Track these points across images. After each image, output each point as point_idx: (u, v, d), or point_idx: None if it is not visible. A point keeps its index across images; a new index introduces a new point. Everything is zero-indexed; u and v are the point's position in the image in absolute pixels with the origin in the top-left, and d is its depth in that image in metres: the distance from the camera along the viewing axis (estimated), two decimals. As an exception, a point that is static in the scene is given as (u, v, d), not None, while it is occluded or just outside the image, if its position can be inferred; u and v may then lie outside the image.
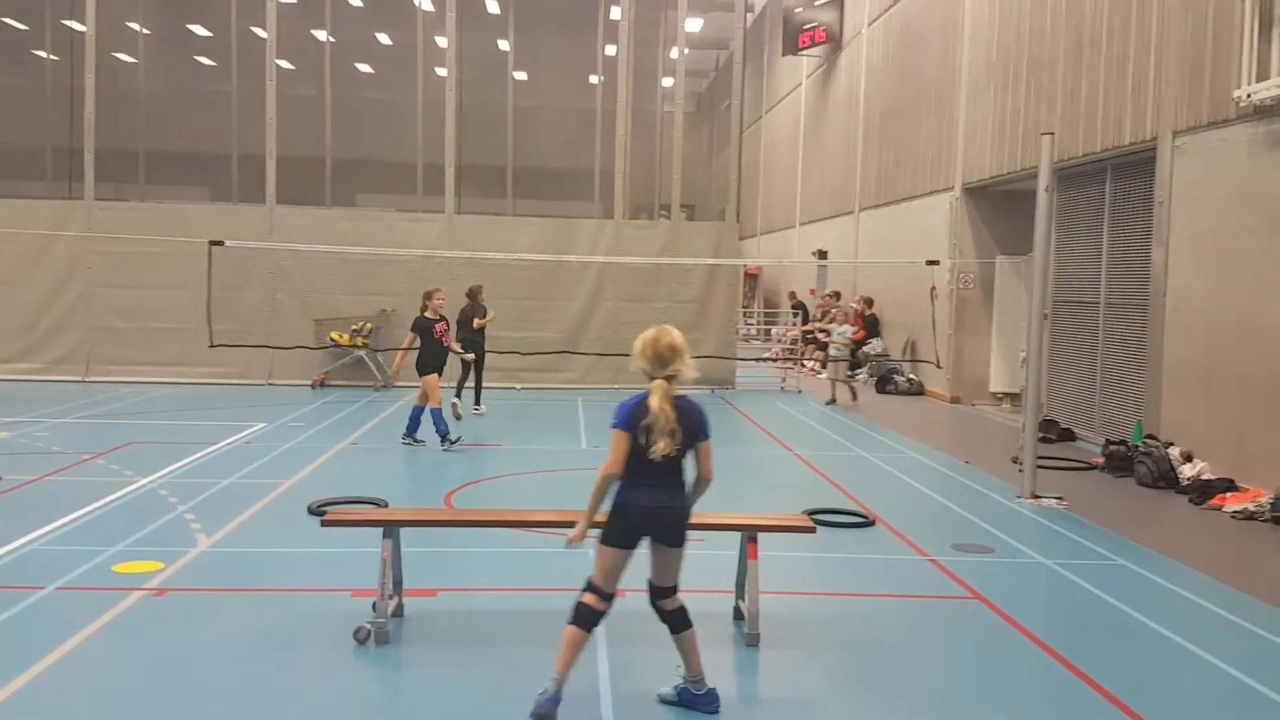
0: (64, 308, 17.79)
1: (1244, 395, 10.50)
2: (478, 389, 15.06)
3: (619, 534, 4.93)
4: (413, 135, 20.33)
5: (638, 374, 4.94)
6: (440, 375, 12.17)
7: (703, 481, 5.01)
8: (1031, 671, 5.78)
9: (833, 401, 17.39)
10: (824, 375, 18.63)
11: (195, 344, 15.80)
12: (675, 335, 4.94)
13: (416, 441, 12.12)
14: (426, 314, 12.20)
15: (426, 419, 12.00)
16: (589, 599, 4.91)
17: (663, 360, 4.85)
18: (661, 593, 5.08)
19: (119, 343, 17.77)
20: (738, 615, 6.32)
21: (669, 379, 4.84)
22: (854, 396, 17.54)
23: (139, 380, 17.45)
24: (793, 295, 28.19)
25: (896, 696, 5.40)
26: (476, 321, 14.67)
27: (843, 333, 17.86)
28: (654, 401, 4.78)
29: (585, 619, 4.90)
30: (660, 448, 4.77)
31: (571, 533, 5.03)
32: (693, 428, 4.88)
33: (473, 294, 14.99)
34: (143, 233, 17.42)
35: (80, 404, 15.00)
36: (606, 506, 4.95)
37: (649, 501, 4.88)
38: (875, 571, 7.74)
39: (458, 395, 14.28)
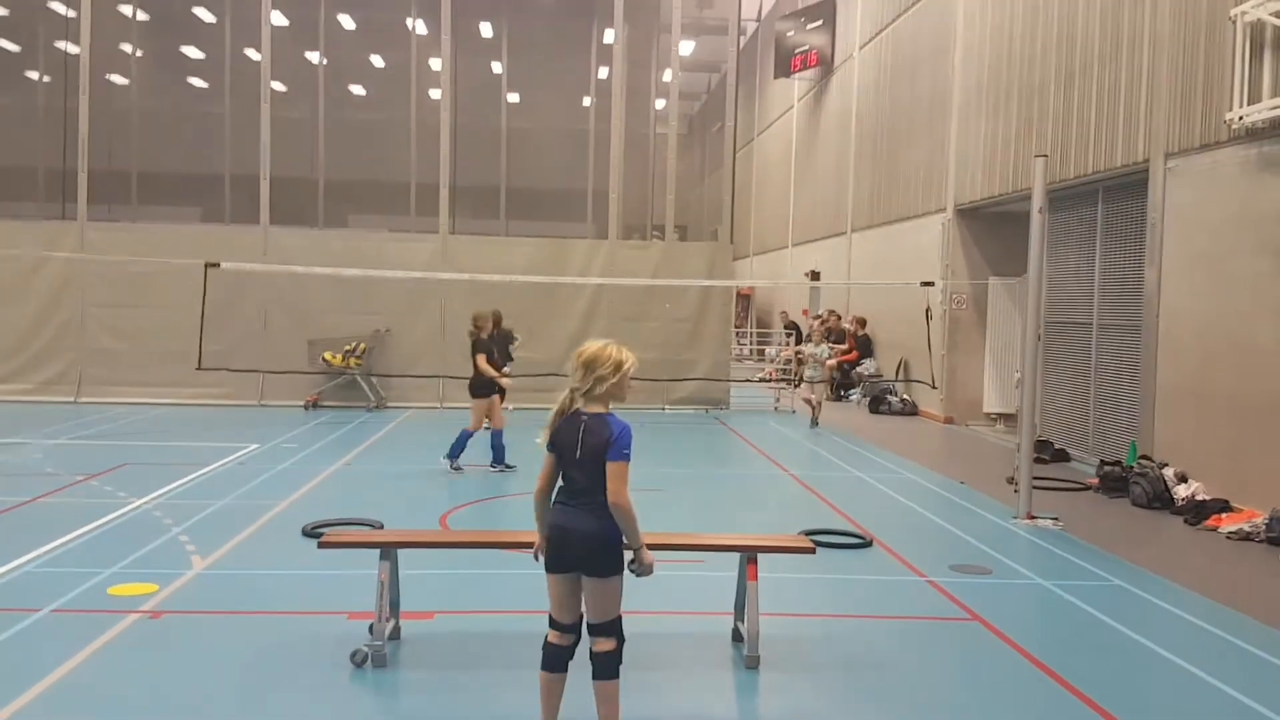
0: (56, 328, 17.74)
1: (1238, 416, 10.53)
2: None
3: (547, 557, 4.73)
4: (406, 156, 20.36)
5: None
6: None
7: (611, 508, 4.56)
8: (1030, 692, 5.77)
9: (815, 424, 17.11)
10: (801, 397, 18.14)
11: (188, 365, 15.70)
12: (590, 346, 4.69)
13: (457, 469, 11.80)
14: (485, 335, 12.08)
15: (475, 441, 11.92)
16: (551, 636, 4.76)
17: (577, 371, 4.67)
18: (590, 628, 4.72)
19: (111, 363, 17.71)
20: (736, 637, 6.30)
21: (573, 390, 4.66)
22: (813, 422, 17.08)
23: (131, 401, 17.39)
24: (784, 315, 28.23)
25: (896, 717, 5.38)
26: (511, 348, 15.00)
27: (817, 354, 17.76)
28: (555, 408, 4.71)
29: (550, 659, 4.74)
30: (541, 439, 4.70)
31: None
32: (597, 447, 4.56)
33: (499, 319, 15.15)
34: (135, 253, 17.40)
35: (73, 425, 14.93)
36: None
37: (558, 521, 4.68)
38: (873, 592, 7.73)
39: None
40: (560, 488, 4.73)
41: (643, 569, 4.73)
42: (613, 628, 4.69)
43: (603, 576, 4.64)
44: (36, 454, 12.39)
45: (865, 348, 21.93)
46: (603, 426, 4.61)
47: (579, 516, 4.62)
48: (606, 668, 4.68)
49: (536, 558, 4.86)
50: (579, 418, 4.63)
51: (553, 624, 4.75)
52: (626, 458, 4.58)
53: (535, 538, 4.87)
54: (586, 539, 4.60)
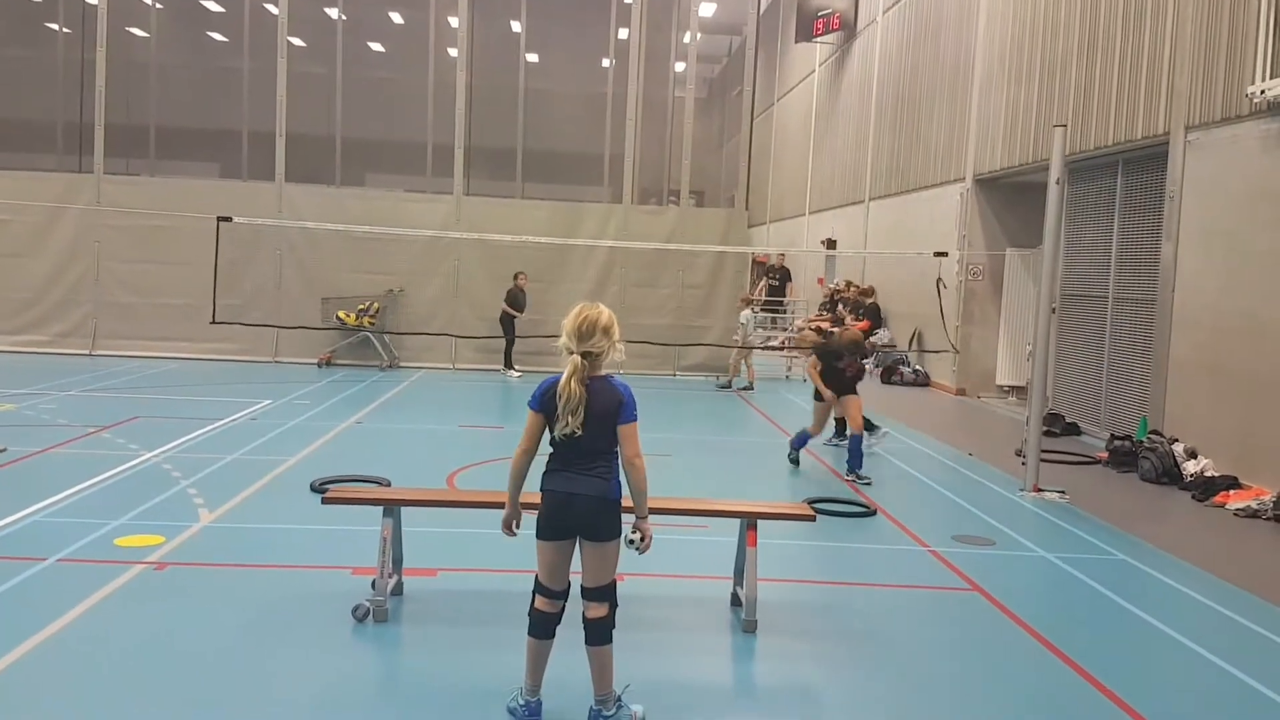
0: (72, 281, 17.82)
1: (1250, 393, 10.47)
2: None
3: (541, 523, 4.65)
4: (423, 115, 20.29)
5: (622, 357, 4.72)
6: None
7: (629, 468, 4.59)
8: (1028, 664, 5.78)
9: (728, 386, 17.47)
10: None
11: (202, 319, 15.87)
12: (599, 311, 4.62)
13: (863, 479, 10.26)
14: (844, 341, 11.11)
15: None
16: (539, 602, 4.70)
17: (580, 335, 4.54)
18: (585, 593, 4.68)
19: (126, 317, 17.79)
20: (735, 601, 6.32)
21: (585, 356, 4.55)
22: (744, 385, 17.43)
23: (145, 355, 17.49)
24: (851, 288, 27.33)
25: (892, 686, 5.40)
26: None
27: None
28: (563, 378, 4.54)
29: (537, 625, 4.70)
30: (560, 426, 4.53)
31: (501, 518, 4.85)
32: (607, 410, 4.54)
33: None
34: (151, 208, 17.46)
35: (86, 377, 15.03)
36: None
37: (559, 486, 4.60)
38: (875, 561, 7.74)
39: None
40: (554, 454, 4.66)
41: (644, 543, 4.73)
42: (607, 592, 4.68)
43: (605, 540, 4.63)
44: (50, 405, 12.48)
45: (874, 317, 21.84)
46: (611, 390, 4.60)
47: (583, 481, 4.58)
48: (602, 633, 4.67)
49: (510, 531, 4.81)
50: (591, 382, 4.58)
51: (542, 590, 4.70)
52: (637, 418, 4.62)
53: (505, 501, 4.80)
54: (592, 503, 4.58)
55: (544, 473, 4.68)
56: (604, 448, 4.61)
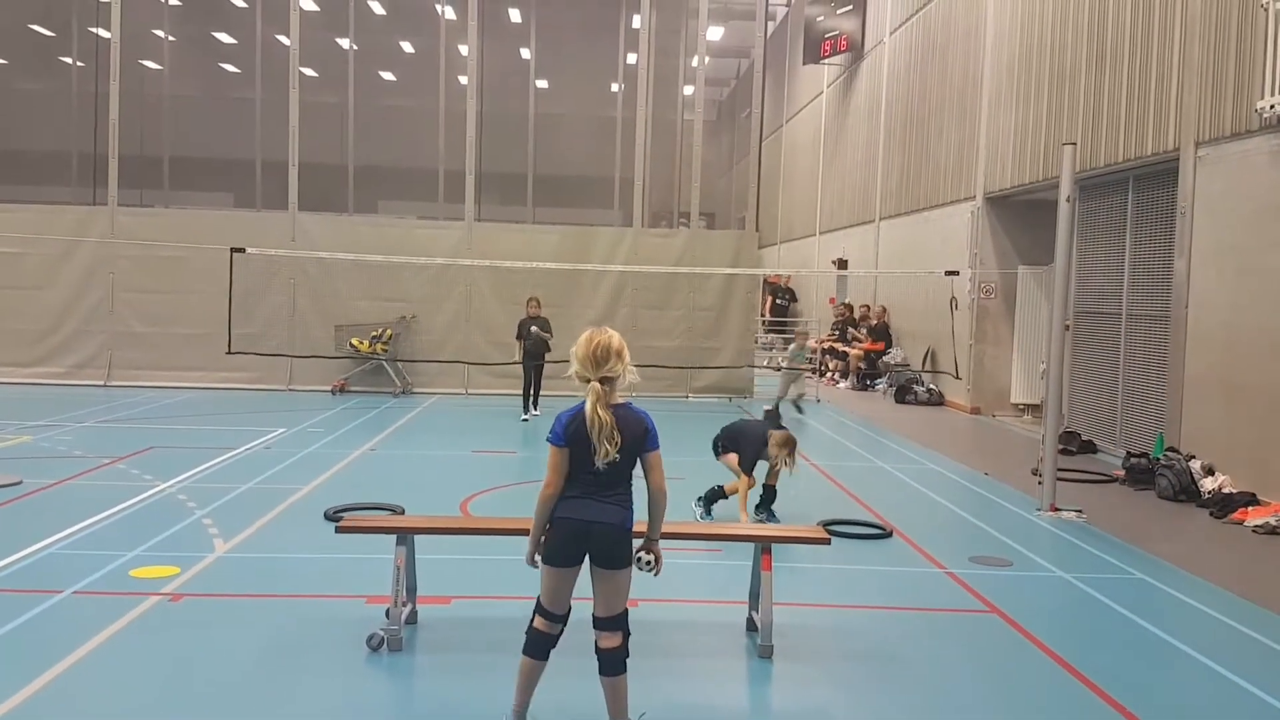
0: (86, 312, 17.93)
1: (1266, 408, 10.40)
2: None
3: (552, 550, 4.59)
4: (434, 142, 20.43)
5: (625, 382, 4.65)
6: None
7: (656, 495, 4.63)
8: (1048, 687, 5.73)
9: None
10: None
11: (216, 349, 15.92)
12: (610, 336, 4.59)
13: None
14: None
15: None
16: (538, 623, 4.66)
17: (596, 362, 4.51)
18: (598, 622, 4.64)
19: (141, 347, 17.88)
20: (751, 626, 6.29)
21: (604, 382, 4.52)
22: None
23: (160, 385, 17.57)
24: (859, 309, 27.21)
25: (911, 710, 5.36)
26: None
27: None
28: (588, 406, 4.48)
29: (534, 645, 4.66)
30: (600, 455, 4.47)
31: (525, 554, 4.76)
32: (635, 437, 4.54)
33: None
34: (166, 238, 17.58)
35: (102, 408, 15.10)
36: None
37: (578, 514, 4.55)
38: (891, 583, 7.69)
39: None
40: (572, 481, 4.59)
41: (656, 565, 4.74)
42: (621, 621, 4.65)
43: (621, 568, 4.62)
44: (66, 436, 12.54)
45: (883, 336, 21.84)
46: (635, 417, 4.58)
47: (605, 510, 4.56)
48: (617, 663, 4.63)
49: (535, 563, 4.72)
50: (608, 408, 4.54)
51: (544, 613, 4.66)
52: (659, 445, 4.63)
53: (528, 531, 4.73)
54: (612, 530, 4.56)
55: (560, 499, 4.62)
56: (626, 475, 4.61)
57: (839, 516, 9.33)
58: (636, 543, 4.72)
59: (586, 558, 4.62)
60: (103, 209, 18.16)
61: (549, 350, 15.40)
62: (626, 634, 4.68)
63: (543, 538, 4.69)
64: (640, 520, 4.73)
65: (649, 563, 4.74)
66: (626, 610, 4.70)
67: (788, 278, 27.12)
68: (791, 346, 17.68)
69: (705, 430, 14.45)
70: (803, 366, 17.42)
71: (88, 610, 6.31)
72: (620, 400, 4.61)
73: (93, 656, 5.60)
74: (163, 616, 6.29)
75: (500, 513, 9.34)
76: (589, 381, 4.53)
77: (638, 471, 4.64)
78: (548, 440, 4.60)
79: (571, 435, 4.53)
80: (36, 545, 7.65)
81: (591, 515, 4.55)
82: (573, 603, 4.72)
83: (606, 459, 4.48)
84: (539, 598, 4.69)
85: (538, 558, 4.70)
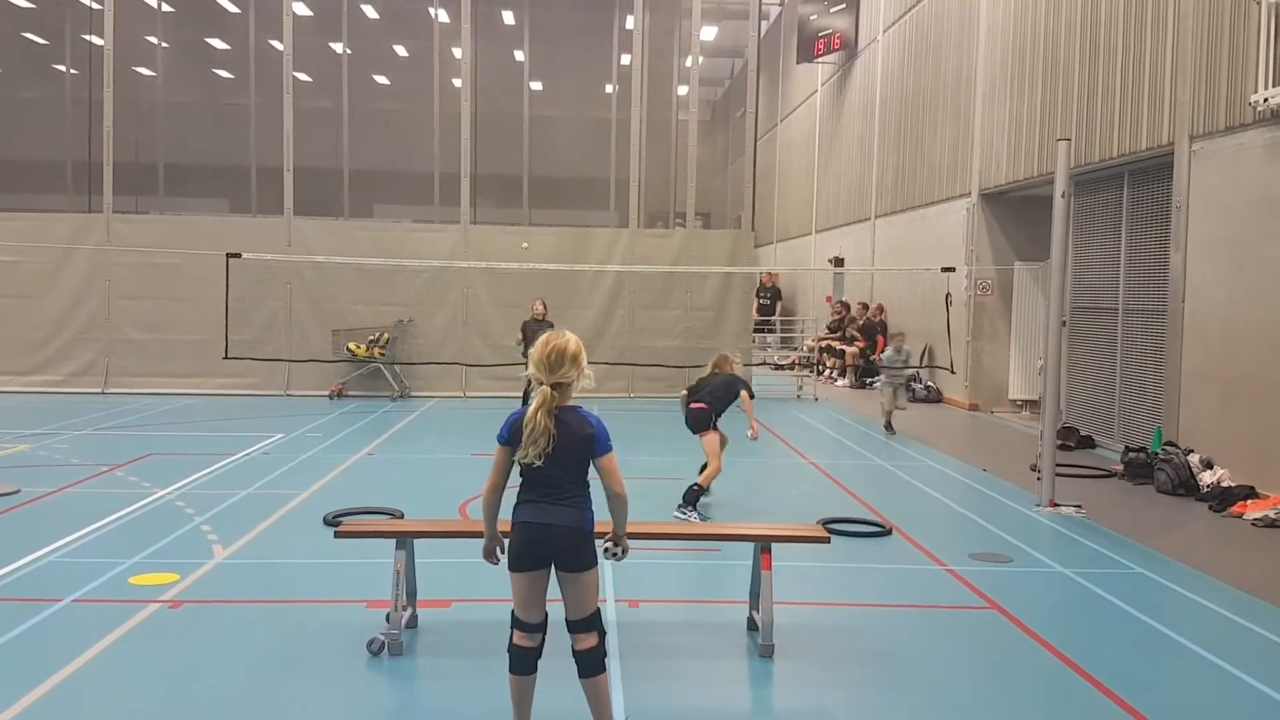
0: (83, 320, 17.92)
1: (1264, 401, 10.41)
2: None
3: (514, 555, 4.59)
4: (429, 146, 20.41)
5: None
6: None
7: (613, 499, 4.63)
8: (1049, 683, 5.73)
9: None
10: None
11: (213, 355, 15.93)
12: (567, 340, 4.56)
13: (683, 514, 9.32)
14: None
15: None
16: (516, 638, 4.63)
17: (550, 366, 4.50)
18: (571, 625, 4.61)
19: (138, 355, 17.88)
20: (751, 626, 6.29)
21: (555, 387, 4.50)
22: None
23: (158, 392, 17.56)
24: (856, 306, 26.68)
25: (913, 709, 5.36)
26: None
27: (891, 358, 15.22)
28: (531, 408, 4.48)
29: (517, 662, 4.63)
30: (520, 454, 4.47)
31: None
32: (579, 441, 4.51)
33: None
34: (161, 245, 17.57)
35: (99, 416, 15.09)
36: None
37: (535, 518, 4.54)
38: (891, 581, 7.69)
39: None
40: (525, 484, 4.60)
41: (622, 553, 4.75)
42: (594, 621, 4.62)
43: (584, 570, 4.58)
44: (63, 445, 12.52)
45: (872, 334, 21.87)
46: (582, 421, 4.56)
47: (558, 512, 4.53)
48: (594, 664, 4.62)
49: (494, 559, 4.75)
50: (560, 412, 4.53)
51: (519, 625, 4.62)
52: (612, 449, 4.61)
53: (483, 530, 4.78)
54: (569, 533, 4.53)
55: (516, 504, 4.62)
56: (575, 478, 4.59)
57: (838, 515, 9.33)
58: (599, 543, 4.72)
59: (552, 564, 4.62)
60: (98, 216, 18.15)
61: None
62: (602, 634, 4.66)
63: (498, 531, 4.73)
64: (604, 521, 4.72)
65: (615, 553, 4.75)
66: (599, 610, 4.68)
67: (773, 276, 27.11)
68: (887, 351, 15.36)
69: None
70: (901, 368, 15.09)
71: (87, 618, 6.30)
72: (571, 404, 4.59)
73: (93, 664, 5.60)
74: (163, 623, 6.28)
75: (499, 515, 9.34)
76: (542, 384, 4.53)
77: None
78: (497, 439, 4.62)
79: (514, 434, 4.55)
80: (35, 554, 7.64)
81: (548, 519, 4.53)
82: (548, 609, 4.67)
83: (525, 459, 4.47)
84: (512, 612, 4.65)
85: (503, 557, 4.70)
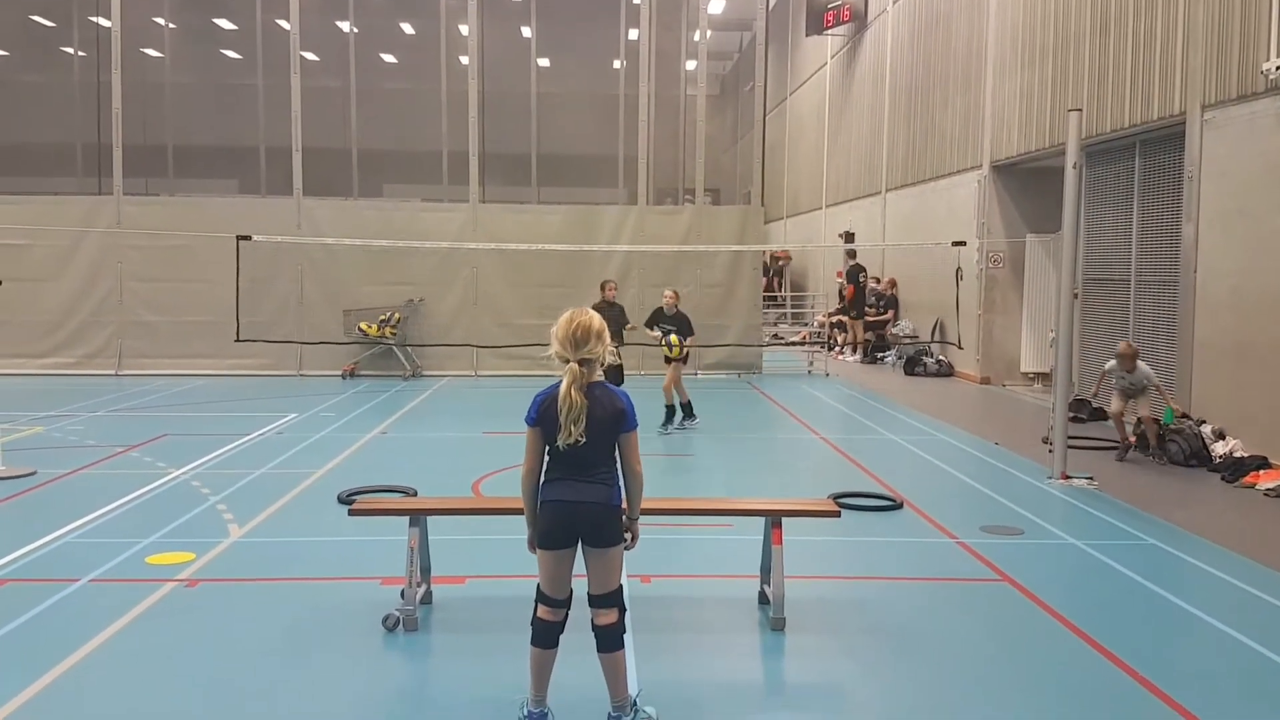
0: (95, 303, 18.00)
1: (1276, 371, 10.37)
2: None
3: (543, 533, 4.62)
4: (437, 124, 20.36)
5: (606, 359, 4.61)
6: None
7: (630, 476, 4.66)
8: (1061, 655, 5.74)
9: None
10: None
11: (226, 336, 16.00)
12: (591, 316, 4.57)
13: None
14: None
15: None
16: (542, 611, 4.65)
17: (575, 343, 4.49)
18: (593, 600, 4.66)
19: (151, 336, 17.96)
20: (763, 600, 6.32)
21: (582, 363, 4.50)
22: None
23: (171, 373, 17.64)
24: (882, 281, 26.38)
25: (925, 681, 5.38)
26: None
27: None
28: (563, 386, 4.47)
29: (541, 635, 4.65)
30: (563, 436, 4.47)
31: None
32: (608, 417, 4.53)
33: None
34: (172, 227, 17.61)
35: (113, 398, 15.17)
36: None
37: (563, 496, 4.56)
38: (902, 554, 7.71)
39: None
40: (554, 463, 4.62)
41: (632, 543, 4.78)
42: (615, 598, 4.66)
43: (610, 545, 4.63)
44: (78, 426, 12.60)
45: (894, 308, 21.82)
46: (612, 397, 4.59)
47: (588, 489, 4.56)
48: (613, 639, 4.66)
49: (535, 548, 4.73)
50: (590, 389, 4.54)
51: (545, 600, 4.65)
52: (637, 425, 4.66)
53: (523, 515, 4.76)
54: (597, 510, 4.57)
55: (544, 483, 4.65)
56: (605, 455, 4.62)
57: (849, 489, 9.35)
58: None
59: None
60: (108, 199, 18.19)
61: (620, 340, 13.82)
62: (622, 610, 4.70)
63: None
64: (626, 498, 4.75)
65: (627, 543, 4.76)
66: (621, 587, 4.71)
67: (782, 252, 27.07)
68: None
69: (715, 408, 14.50)
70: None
71: (105, 598, 6.36)
72: (598, 379, 4.60)
73: (111, 643, 5.66)
74: (179, 602, 6.34)
75: (512, 492, 9.38)
76: (568, 362, 4.52)
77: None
78: (525, 421, 4.62)
79: (543, 415, 4.55)
80: (52, 535, 7.71)
81: (577, 496, 4.56)
82: (573, 586, 4.72)
83: (569, 440, 4.48)
84: (539, 585, 4.69)
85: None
